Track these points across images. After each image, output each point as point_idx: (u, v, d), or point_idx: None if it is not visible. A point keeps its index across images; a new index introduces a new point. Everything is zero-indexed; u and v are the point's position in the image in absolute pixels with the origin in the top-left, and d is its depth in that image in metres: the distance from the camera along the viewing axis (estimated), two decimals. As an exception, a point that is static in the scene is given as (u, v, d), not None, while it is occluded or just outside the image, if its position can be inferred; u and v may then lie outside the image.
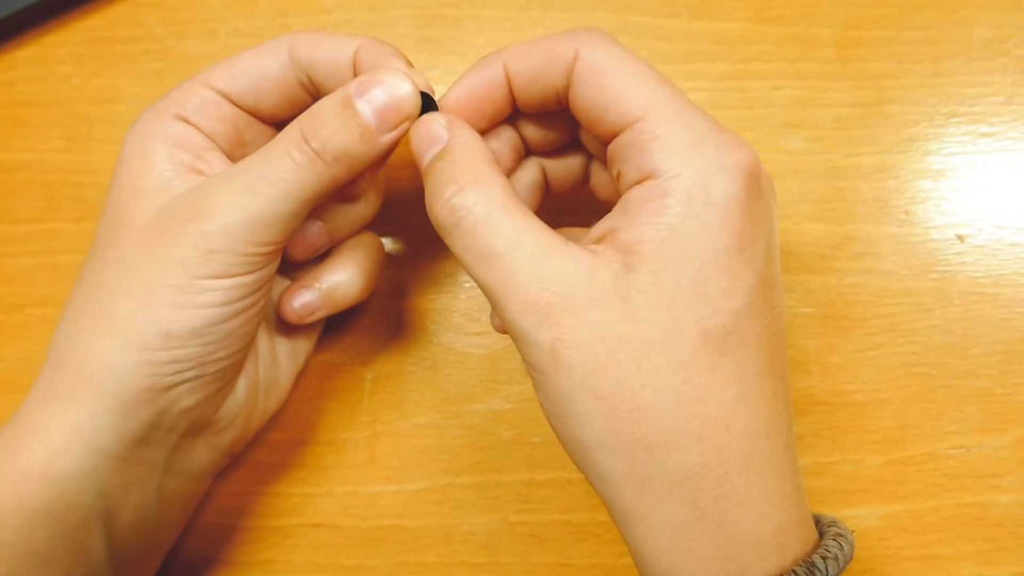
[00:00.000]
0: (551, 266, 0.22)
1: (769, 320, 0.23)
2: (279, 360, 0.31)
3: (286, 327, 0.31)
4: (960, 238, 0.33)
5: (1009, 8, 0.34)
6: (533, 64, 0.25)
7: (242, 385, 0.29)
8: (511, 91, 0.26)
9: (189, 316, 0.25)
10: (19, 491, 0.24)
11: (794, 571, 0.22)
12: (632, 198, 0.23)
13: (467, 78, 0.26)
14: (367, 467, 0.33)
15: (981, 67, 0.34)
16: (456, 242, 0.23)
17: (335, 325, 0.34)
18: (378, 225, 0.35)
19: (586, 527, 0.32)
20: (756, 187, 0.23)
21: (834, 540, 0.23)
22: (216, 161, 0.27)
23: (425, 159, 0.25)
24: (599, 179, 0.29)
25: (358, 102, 0.25)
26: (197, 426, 0.28)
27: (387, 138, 0.25)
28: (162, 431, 0.27)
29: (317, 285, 0.30)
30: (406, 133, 0.26)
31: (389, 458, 0.33)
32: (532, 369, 0.23)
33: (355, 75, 0.27)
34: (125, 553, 0.28)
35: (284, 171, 0.25)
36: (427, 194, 0.24)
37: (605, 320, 0.22)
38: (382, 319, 0.34)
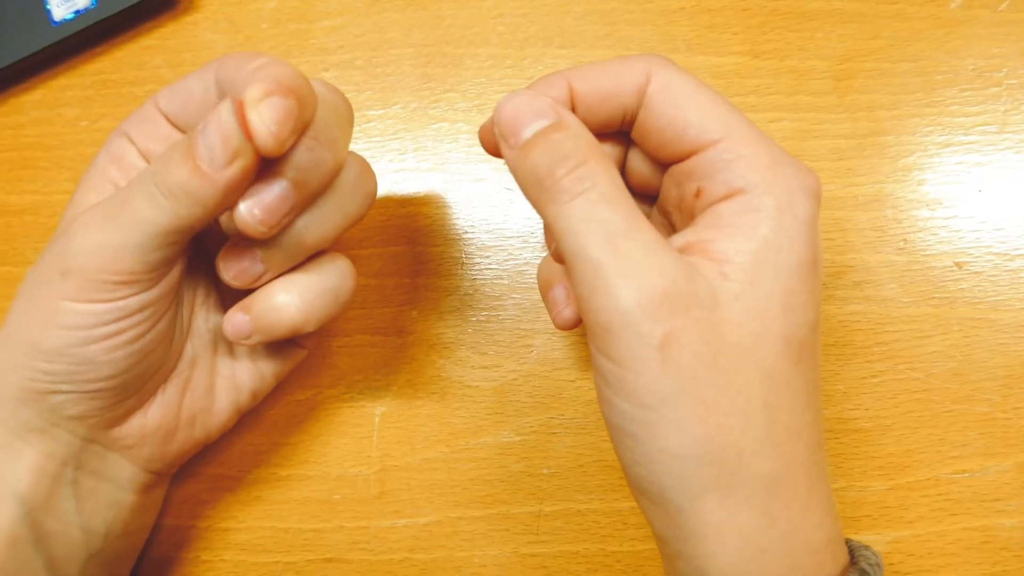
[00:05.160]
0: (667, 257, 0.22)
1: (820, 334, 0.24)
2: (216, 392, 0.31)
3: (229, 360, 0.31)
4: (958, 265, 0.33)
5: (999, 39, 0.35)
6: (604, 85, 0.24)
7: (156, 410, 0.29)
8: (573, 111, 0.25)
9: (52, 335, 0.25)
10: None
11: None
12: (722, 212, 0.23)
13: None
14: (377, 502, 0.33)
15: (973, 97, 0.34)
16: (574, 211, 0.22)
17: (343, 362, 0.34)
18: (383, 262, 0.35)
19: (596, 558, 0.32)
20: (819, 209, 0.23)
21: (866, 549, 0.24)
22: None
23: (527, 131, 0.23)
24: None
25: (198, 136, 0.23)
26: (97, 435, 0.28)
27: (224, 175, 0.23)
28: (59, 428, 0.27)
29: (248, 307, 0.27)
30: (249, 172, 0.24)
31: (399, 492, 0.33)
32: (626, 367, 0.21)
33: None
34: (69, 570, 0.28)
35: (137, 203, 0.24)
36: (537, 163, 0.23)
37: (710, 322, 0.22)
38: (390, 354, 0.34)
